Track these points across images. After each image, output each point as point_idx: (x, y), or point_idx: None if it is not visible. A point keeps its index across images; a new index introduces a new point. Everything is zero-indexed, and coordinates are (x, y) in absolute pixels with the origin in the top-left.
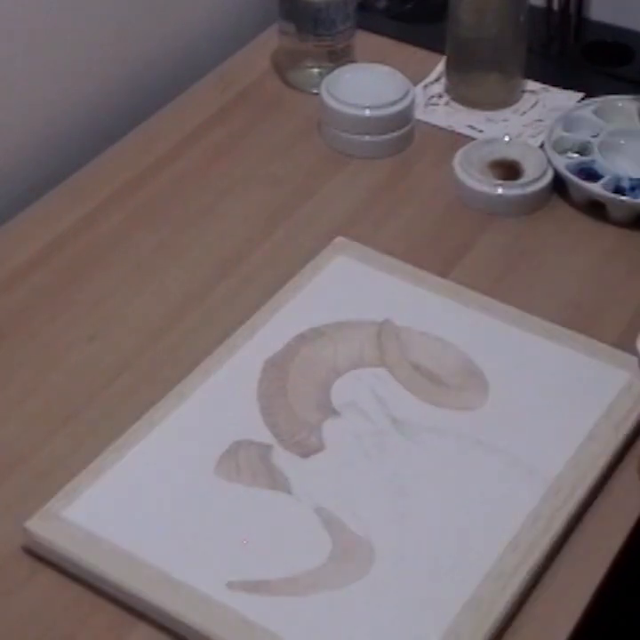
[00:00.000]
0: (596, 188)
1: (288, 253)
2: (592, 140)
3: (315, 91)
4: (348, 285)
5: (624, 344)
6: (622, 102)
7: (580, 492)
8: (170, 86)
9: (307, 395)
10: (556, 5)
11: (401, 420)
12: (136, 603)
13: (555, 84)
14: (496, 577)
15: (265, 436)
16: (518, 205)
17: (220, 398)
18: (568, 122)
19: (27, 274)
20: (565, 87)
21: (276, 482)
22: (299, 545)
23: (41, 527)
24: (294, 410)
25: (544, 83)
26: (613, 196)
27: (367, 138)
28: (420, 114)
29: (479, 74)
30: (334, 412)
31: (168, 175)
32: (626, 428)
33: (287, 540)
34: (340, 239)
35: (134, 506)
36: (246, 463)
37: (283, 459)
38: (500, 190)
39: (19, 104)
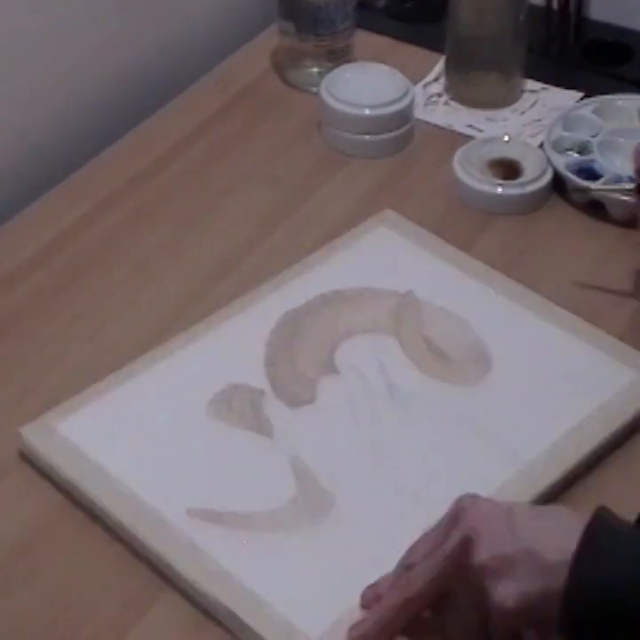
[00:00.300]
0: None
1: (288, 253)
2: (591, 139)
3: (314, 90)
4: (382, 255)
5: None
6: (622, 102)
7: (553, 476)
8: (170, 86)
9: (312, 351)
10: (555, 5)
11: (396, 387)
12: (106, 517)
13: (555, 84)
14: None
15: (261, 382)
16: (518, 205)
17: (230, 341)
18: (568, 121)
19: (27, 274)
20: (565, 87)
21: (261, 425)
22: (264, 486)
23: (33, 435)
24: (295, 363)
25: (544, 82)
26: (613, 195)
27: (367, 137)
28: (419, 113)
29: (479, 73)
30: (334, 371)
31: (168, 175)
32: (617, 424)
33: (255, 479)
34: (388, 211)
35: (121, 429)
36: (237, 405)
37: (272, 405)
38: (499, 190)
39: (18, 104)
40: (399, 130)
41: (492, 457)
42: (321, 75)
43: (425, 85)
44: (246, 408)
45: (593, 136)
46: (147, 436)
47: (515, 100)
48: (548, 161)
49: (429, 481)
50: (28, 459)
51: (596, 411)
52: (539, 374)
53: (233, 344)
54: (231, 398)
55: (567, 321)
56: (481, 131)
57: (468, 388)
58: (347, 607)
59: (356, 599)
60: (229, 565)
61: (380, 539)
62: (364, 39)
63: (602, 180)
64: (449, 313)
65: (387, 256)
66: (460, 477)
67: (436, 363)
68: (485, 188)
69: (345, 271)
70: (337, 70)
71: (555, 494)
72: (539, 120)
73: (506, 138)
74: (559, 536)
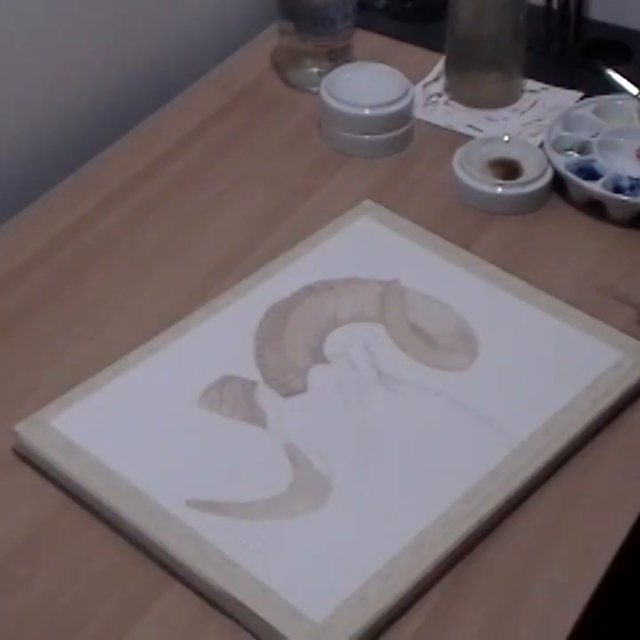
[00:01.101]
0: (595, 187)
1: None
2: (591, 139)
3: (314, 90)
4: (366, 245)
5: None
6: (622, 101)
7: (545, 457)
8: (170, 86)
9: (301, 341)
10: (555, 5)
11: (386, 374)
12: (105, 511)
13: (555, 84)
14: (442, 525)
15: (253, 374)
16: (518, 205)
17: (219, 335)
18: (568, 121)
19: (27, 273)
20: (565, 87)
21: (254, 416)
22: (262, 474)
23: (29, 432)
24: (286, 353)
25: (544, 82)
26: (613, 195)
27: (367, 137)
28: (419, 113)
29: (479, 73)
30: (324, 360)
31: (168, 175)
32: (604, 404)
33: (252, 468)
34: (367, 202)
35: (116, 422)
36: (230, 396)
37: (264, 396)
38: (499, 189)
39: (19, 104)
40: (399, 130)
41: (484, 440)
42: (321, 75)
43: (425, 85)
44: (239, 399)
45: (593, 136)
46: (141, 429)
47: (515, 100)
48: (548, 161)
49: (423, 465)
50: (27, 457)
51: (584, 391)
52: (525, 357)
53: (222, 337)
54: (223, 389)
55: (550, 304)
56: (481, 131)
57: (456, 373)
58: (350, 590)
59: (358, 581)
60: (233, 554)
61: (378, 522)
62: (363, 39)
63: (602, 180)
64: (434, 299)
65: (369, 245)
66: (453, 461)
67: (423, 348)
68: (485, 187)
69: (329, 262)
70: (337, 70)
71: (546, 475)
72: (539, 120)
73: (506, 138)
74: None
